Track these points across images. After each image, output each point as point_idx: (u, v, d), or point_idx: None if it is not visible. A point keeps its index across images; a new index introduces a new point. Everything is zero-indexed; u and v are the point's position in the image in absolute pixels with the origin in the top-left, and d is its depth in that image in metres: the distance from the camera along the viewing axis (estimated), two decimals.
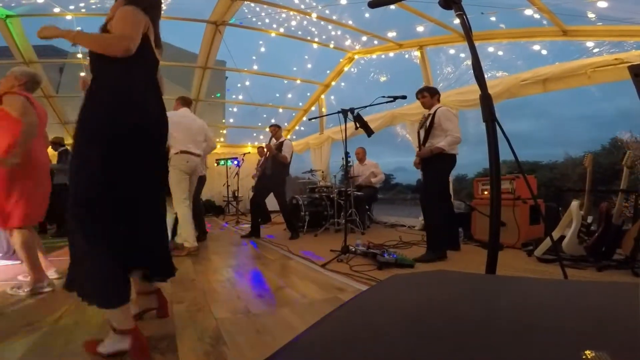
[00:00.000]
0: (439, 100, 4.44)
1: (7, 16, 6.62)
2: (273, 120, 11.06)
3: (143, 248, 1.98)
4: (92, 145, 1.82)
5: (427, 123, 4.22)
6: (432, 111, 4.27)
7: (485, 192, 5.22)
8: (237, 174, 10.24)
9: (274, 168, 6.04)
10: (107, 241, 1.79)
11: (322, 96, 10.43)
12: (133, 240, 1.91)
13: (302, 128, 11.90)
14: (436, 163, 4.17)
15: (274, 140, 6.40)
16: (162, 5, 2.34)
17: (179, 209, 4.59)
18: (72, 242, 1.83)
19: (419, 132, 4.44)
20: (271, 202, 6.50)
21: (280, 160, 6.01)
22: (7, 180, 2.84)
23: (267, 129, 6.60)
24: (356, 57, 8.84)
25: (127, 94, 1.91)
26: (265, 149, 6.21)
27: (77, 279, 1.80)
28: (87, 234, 1.77)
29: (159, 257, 2.13)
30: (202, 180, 5.69)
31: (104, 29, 1.98)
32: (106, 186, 1.81)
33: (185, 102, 5.07)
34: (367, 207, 7.27)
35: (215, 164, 11.25)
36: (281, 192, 6.07)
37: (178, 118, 4.66)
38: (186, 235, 4.63)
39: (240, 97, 10.69)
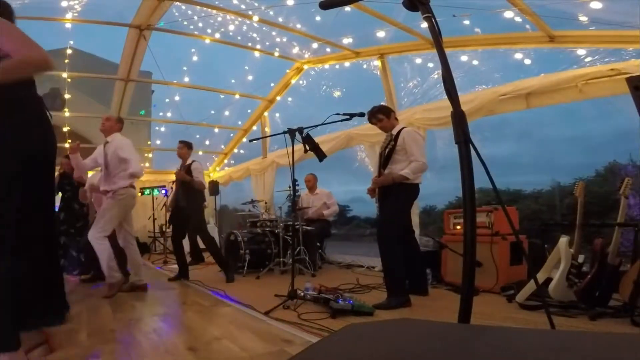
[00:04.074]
0: (397, 119, 4.52)
1: None
2: (207, 142, 11.29)
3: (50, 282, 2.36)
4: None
5: (390, 145, 4.26)
6: (394, 132, 4.32)
7: (458, 227, 5.18)
8: (164, 204, 10.08)
9: (188, 197, 6.03)
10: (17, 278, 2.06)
11: (266, 113, 10.46)
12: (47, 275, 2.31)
13: (241, 151, 11.94)
14: (396, 193, 4.16)
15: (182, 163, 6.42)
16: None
17: (101, 243, 4.67)
18: None
19: (381, 154, 4.46)
20: None
21: (197, 187, 6.03)
22: None
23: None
24: (305, 67, 8.89)
25: (24, 124, 2.18)
26: (176, 177, 6.29)
27: None
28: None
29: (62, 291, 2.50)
30: None
31: None
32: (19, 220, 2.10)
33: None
34: (318, 244, 7.28)
35: (140, 194, 10.99)
36: (201, 223, 6.16)
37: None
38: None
39: (169, 114, 10.61)
